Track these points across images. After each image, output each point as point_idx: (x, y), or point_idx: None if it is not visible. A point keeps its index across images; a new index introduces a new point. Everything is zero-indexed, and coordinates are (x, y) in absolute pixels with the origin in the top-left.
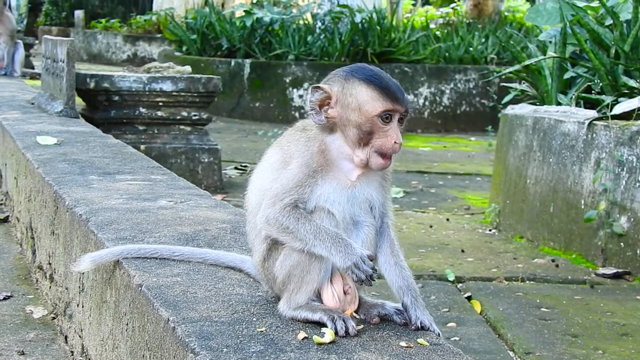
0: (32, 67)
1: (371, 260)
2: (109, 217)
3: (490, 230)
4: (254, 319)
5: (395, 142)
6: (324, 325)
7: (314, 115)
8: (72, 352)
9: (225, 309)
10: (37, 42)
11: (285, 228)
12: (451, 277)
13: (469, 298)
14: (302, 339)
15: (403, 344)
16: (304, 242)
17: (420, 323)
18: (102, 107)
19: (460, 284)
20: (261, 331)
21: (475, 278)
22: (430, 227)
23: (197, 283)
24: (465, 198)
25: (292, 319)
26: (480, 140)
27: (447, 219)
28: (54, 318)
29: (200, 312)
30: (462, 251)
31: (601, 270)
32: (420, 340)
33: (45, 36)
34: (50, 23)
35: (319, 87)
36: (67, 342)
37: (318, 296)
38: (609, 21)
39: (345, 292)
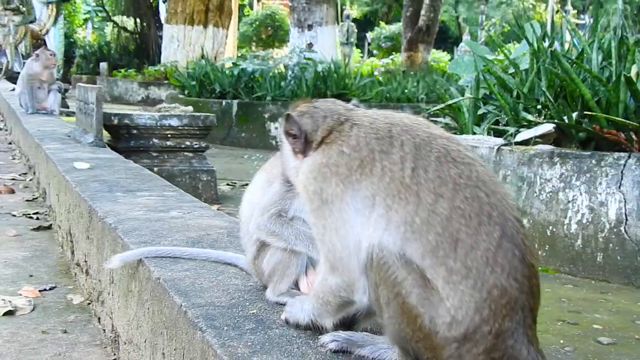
0: (67, 107)
1: None
2: (132, 225)
3: None
4: (247, 304)
5: None
6: None
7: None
8: (104, 330)
9: (224, 296)
10: (70, 87)
11: (273, 232)
12: None
13: None
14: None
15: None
16: (287, 242)
17: None
18: (123, 138)
19: None
20: (253, 313)
21: None
22: None
23: (202, 276)
24: None
25: (277, 303)
26: None
27: None
28: (89, 303)
29: (205, 298)
30: None
31: None
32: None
33: (79, 84)
34: (80, 72)
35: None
36: (100, 323)
37: (296, 285)
38: (511, 70)
39: None
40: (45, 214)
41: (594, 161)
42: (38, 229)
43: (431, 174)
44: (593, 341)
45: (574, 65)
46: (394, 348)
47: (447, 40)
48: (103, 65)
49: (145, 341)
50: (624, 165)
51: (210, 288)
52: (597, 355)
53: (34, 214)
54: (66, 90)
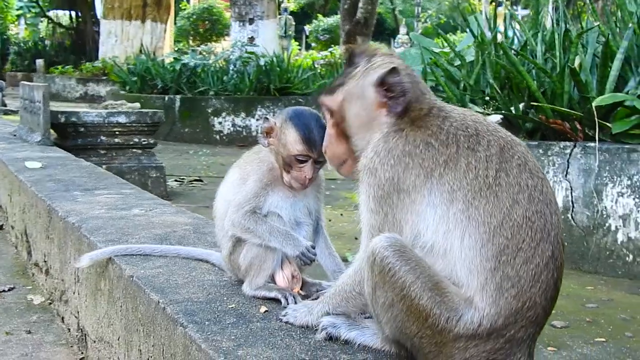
0: (5, 105)
1: (313, 248)
2: (96, 224)
3: None
4: (225, 298)
5: (305, 177)
6: (278, 301)
7: (261, 139)
8: (68, 329)
9: (201, 291)
10: (4, 84)
11: (247, 229)
12: (350, 259)
13: None
14: (264, 312)
15: None
16: (262, 238)
17: None
18: (71, 136)
19: None
20: (232, 307)
21: None
22: (329, 220)
23: (176, 273)
24: (352, 198)
25: (254, 297)
26: None
27: (341, 214)
28: (50, 303)
29: (182, 294)
30: (356, 238)
31: None
32: None
33: (23, 82)
34: (15, 69)
35: (267, 118)
36: (64, 322)
37: (272, 279)
38: (457, 62)
39: (292, 276)
40: None
41: (541, 151)
42: None
43: (512, 178)
44: (547, 325)
45: (519, 56)
46: (379, 334)
47: (383, 32)
48: (39, 62)
49: (118, 339)
50: (570, 154)
51: (185, 284)
52: (552, 339)
53: None
54: (1, 89)
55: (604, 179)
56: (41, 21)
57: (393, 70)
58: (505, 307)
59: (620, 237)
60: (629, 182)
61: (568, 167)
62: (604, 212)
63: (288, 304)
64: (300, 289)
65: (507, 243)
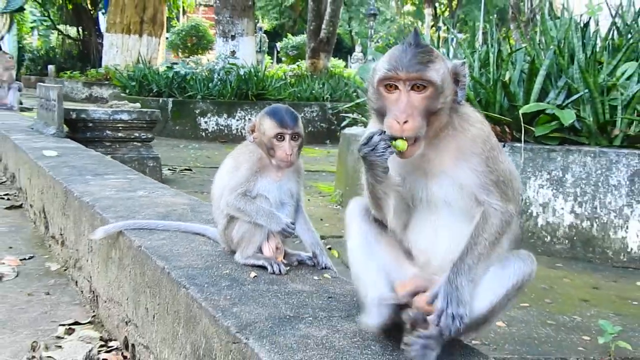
0: (21, 103)
1: (292, 224)
2: (107, 203)
3: (336, 206)
4: (220, 265)
5: (286, 154)
6: (265, 268)
7: (247, 136)
8: (81, 291)
9: (199, 259)
10: (22, 85)
11: (238, 208)
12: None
13: (329, 248)
14: (254, 277)
15: (316, 277)
16: (250, 217)
17: (325, 265)
18: (80, 130)
19: (323, 240)
20: (226, 273)
21: (332, 236)
22: None
23: (177, 244)
24: (317, 186)
25: (244, 264)
26: (322, 149)
27: (308, 199)
28: (65, 270)
29: (184, 262)
30: (321, 219)
31: None
32: (325, 275)
33: (40, 83)
34: (29, 73)
35: (250, 120)
36: (77, 285)
37: (259, 250)
38: None
39: (277, 247)
40: (15, 195)
41: None
42: (10, 208)
43: None
44: None
45: None
46: None
47: (342, 49)
48: (51, 68)
49: (127, 299)
50: None
51: (186, 253)
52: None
53: (4, 194)
54: (20, 89)
55: (528, 173)
56: (52, 33)
57: (465, 64)
58: None
59: (540, 221)
60: (548, 176)
61: None
62: (528, 201)
63: (273, 270)
64: (283, 258)
65: None
